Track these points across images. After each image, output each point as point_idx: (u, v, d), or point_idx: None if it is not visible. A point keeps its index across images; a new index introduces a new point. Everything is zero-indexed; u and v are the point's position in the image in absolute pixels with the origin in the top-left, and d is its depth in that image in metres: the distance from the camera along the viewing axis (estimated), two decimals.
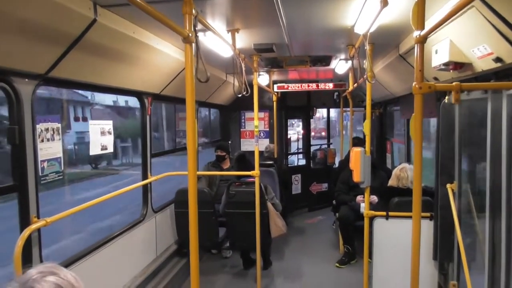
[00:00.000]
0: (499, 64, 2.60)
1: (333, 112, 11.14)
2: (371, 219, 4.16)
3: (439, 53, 3.18)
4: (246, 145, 8.41)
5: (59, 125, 3.03)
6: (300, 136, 10.11)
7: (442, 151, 3.76)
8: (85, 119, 21.95)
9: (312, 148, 9.55)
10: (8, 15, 2.11)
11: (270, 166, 7.02)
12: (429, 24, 2.65)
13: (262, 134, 8.41)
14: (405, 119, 6.58)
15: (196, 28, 2.35)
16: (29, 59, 2.51)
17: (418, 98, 2.37)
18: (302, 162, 9.67)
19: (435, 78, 3.85)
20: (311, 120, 9.78)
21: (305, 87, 7.38)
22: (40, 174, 2.82)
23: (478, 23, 2.48)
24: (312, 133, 21.14)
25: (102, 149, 3.77)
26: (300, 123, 10.04)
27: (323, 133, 14.90)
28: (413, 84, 2.37)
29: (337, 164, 9.13)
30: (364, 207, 4.28)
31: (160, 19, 2.01)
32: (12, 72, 2.49)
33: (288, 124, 9.69)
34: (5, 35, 2.20)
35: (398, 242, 4.05)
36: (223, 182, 6.03)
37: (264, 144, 7.93)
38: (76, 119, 22.18)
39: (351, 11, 3.12)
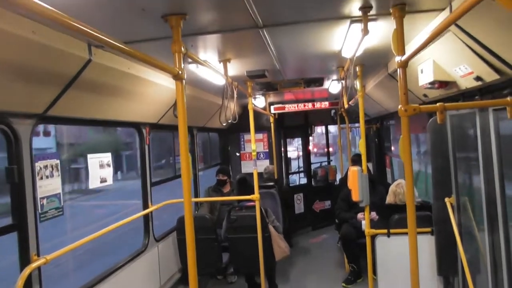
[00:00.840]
0: (480, 83, 2.68)
1: (334, 127, 11.23)
2: (373, 237, 4.18)
3: (424, 72, 3.27)
4: (247, 167, 8.45)
5: (58, 161, 3.10)
6: (301, 153, 10.16)
7: (437, 167, 3.81)
8: (47, 134, 18.79)
9: (313, 166, 9.58)
10: (5, 60, 2.21)
11: (271, 187, 7.04)
12: (411, 46, 2.77)
13: (261, 155, 8.47)
14: (400, 135, 6.64)
15: (187, 63, 2.45)
16: (27, 100, 2.61)
17: (404, 120, 2.45)
18: (304, 180, 9.68)
19: (425, 95, 3.94)
20: (312, 136, 9.84)
21: (301, 107, 7.48)
22: (40, 211, 2.87)
23: (456, 45, 2.58)
24: (315, 149, 20.94)
25: (101, 182, 3.84)
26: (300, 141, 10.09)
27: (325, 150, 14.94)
28: (399, 107, 2.45)
29: (338, 181, 9.15)
30: (365, 225, 4.31)
31: (148, 62, 2.11)
32: (11, 114, 2.58)
33: (288, 142, 9.75)
34: (3, 79, 2.30)
35: (401, 258, 4.03)
36: (224, 206, 6.05)
37: (263, 165, 7.97)
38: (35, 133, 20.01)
39: (336, 37, 3.23)
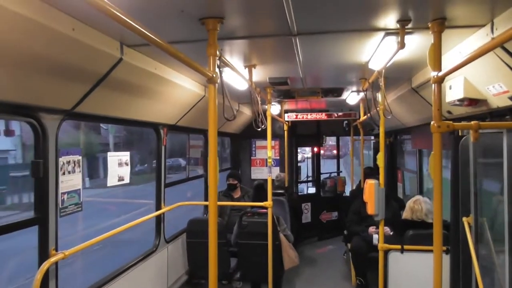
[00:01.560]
0: None
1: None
2: (386, 252, 4.12)
3: (453, 89, 3.23)
4: (257, 173, 8.43)
5: (80, 157, 3.09)
6: (309, 156, 10.12)
7: (457, 185, 3.76)
8: (10, 133, 16.37)
9: (322, 176, 9.53)
10: (41, 57, 2.21)
11: (281, 195, 7.00)
12: (444, 61, 2.72)
13: (273, 162, 8.43)
14: (417, 149, 6.60)
15: (220, 69, 2.43)
16: (57, 96, 2.61)
17: (436, 137, 2.41)
18: (312, 190, 9.63)
19: (449, 112, 3.89)
20: (323, 145, 9.81)
21: (317, 116, 7.45)
22: (60, 206, 2.86)
23: (493, 63, 2.54)
24: (322, 151, 20.85)
25: (119, 180, 3.82)
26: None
27: (334, 151, 14.72)
28: (432, 123, 2.41)
29: (347, 193, 9.09)
30: (376, 239, 4.25)
31: (184, 61, 2.09)
32: (40, 108, 2.58)
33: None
34: (37, 74, 2.30)
35: (414, 276, 3.99)
36: (235, 211, 6.01)
37: (275, 173, 7.94)
38: None
39: (366, 49, 3.21)
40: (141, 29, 1.66)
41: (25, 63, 2.14)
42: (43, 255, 2.70)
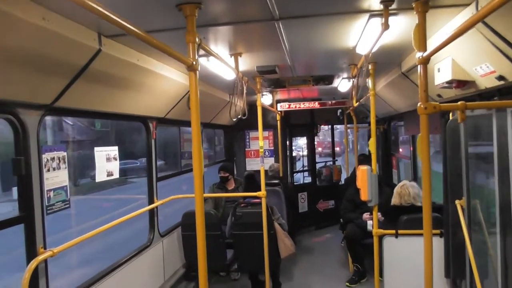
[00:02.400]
0: (502, 82, 2.60)
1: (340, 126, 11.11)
2: (380, 237, 4.12)
3: (441, 71, 3.19)
4: (252, 164, 8.40)
5: (65, 153, 3.04)
6: (305, 153, 10.09)
7: (450, 168, 3.74)
8: None
9: (318, 166, 9.52)
10: (13, 49, 2.14)
11: (275, 185, 6.99)
12: (430, 43, 2.68)
13: (267, 153, 8.41)
14: (410, 135, 6.57)
15: (199, 55, 2.38)
16: (35, 91, 2.54)
17: (423, 118, 2.37)
18: (308, 179, 9.63)
19: (439, 95, 3.85)
20: (318, 135, 9.77)
21: (308, 105, 7.41)
22: (46, 203, 2.81)
23: (480, 43, 2.49)
24: (319, 148, 20.40)
25: (108, 175, 3.78)
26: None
27: (337, 149, 14.50)
28: (418, 105, 2.37)
29: (343, 181, 9.09)
30: (371, 225, 4.25)
31: (163, 50, 2.04)
32: (18, 104, 2.52)
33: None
34: (11, 68, 2.24)
35: (408, 260, 3.99)
36: (229, 203, 5.99)
37: (268, 163, 7.91)
38: None
39: (352, 33, 3.15)
40: (117, 19, 1.60)
41: None
42: (31, 253, 2.66)
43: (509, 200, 2.90)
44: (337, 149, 11.66)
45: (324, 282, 5.95)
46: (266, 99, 6.87)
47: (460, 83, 3.04)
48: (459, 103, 2.34)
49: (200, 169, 2.38)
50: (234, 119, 3.98)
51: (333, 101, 7.45)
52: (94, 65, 2.76)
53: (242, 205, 5.24)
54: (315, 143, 9.74)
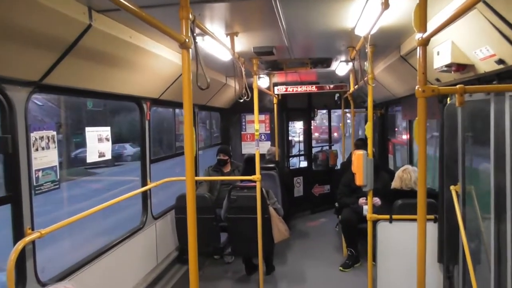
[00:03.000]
0: (501, 66, 2.55)
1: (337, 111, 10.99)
2: (375, 222, 4.11)
3: (440, 54, 3.12)
4: (247, 148, 8.36)
5: (54, 133, 2.97)
6: (301, 138, 10.03)
7: (446, 153, 3.71)
8: None
9: (314, 150, 9.49)
10: None
11: (271, 169, 6.96)
12: (431, 25, 2.59)
13: (263, 136, 8.36)
14: (407, 120, 6.52)
15: (194, 33, 2.29)
16: (23, 66, 2.46)
17: (421, 101, 2.31)
18: (304, 164, 9.62)
19: (437, 80, 3.80)
20: (314, 119, 9.71)
21: (305, 89, 7.33)
22: (35, 183, 2.76)
23: (480, 25, 2.42)
24: (316, 134, 20.13)
25: (100, 156, 3.72)
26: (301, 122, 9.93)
27: (335, 134, 14.20)
28: (416, 88, 2.31)
29: (339, 166, 9.08)
30: (367, 210, 4.24)
31: (155, 25, 1.96)
32: (5, 80, 2.44)
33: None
34: None
35: (402, 245, 4.00)
36: (225, 186, 5.97)
37: (265, 147, 7.87)
38: None
39: (351, 13, 3.06)
40: None
41: None
42: (18, 234, 2.61)
43: (504, 186, 2.88)
44: (335, 134, 11.42)
45: (317, 266, 5.98)
46: (263, 81, 6.78)
47: (459, 67, 2.99)
48: (457, 86, 2.28)
49: (191, 151, 2.33)
50: (241, 100, 3.92)
51: (331, 85, 7.38)
52: (84, 41, 2.67)
53: (238, 188, 5.21)
54: (312, 128, 9.69)
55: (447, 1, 2.73)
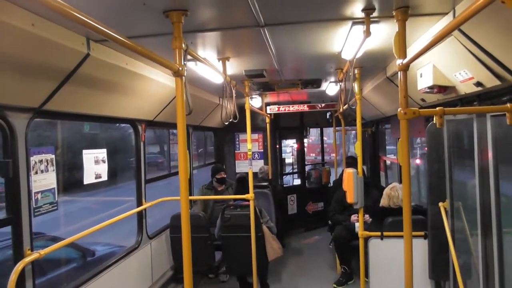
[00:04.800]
0: (480, 88, 2.70)
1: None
2: (366, 239, 4.19)
3: (423, 76, 3.28)
4: (241, 166, 8.44)
5: (53, 156, 3.06)
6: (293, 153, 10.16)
7: (432, 171, 3.83)
8: None
9: (307, 168, 9.59)
10: (2, 54, 2.17)
11: (265, 187, 7.04)
12: (411, 50, 2.76)
13: (256, 155, 8.46)
14: (396, 138, 6.68)
15: (186, 61, 2.43)
16: (24, 94, 2.57)
17: (403, 123, 2.45)
18: (297, 181, 9.69)
19: (423, 100, 3.95)
20: (307, 137, 9.84)
21: (297, 108, 7.48)
22: (34, 205, 2.83)
23: (458, 50, 2.58)
24: (312, 155, 20.09)
25: (96, 178, 3.80)
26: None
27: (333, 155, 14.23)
28: (398, 110, 2.45)
29: (332, 183, 9.17)
30: (358, 227, 4.31)
31: (149, 57, 2.08)
32: (7, 107, 2.54)
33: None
34: (0, 72, 2.26)
35: (393, 261, 4.06)
36: (218, 204, 6.03)
37: (258, 165, 7.96)
38: None
39: (337, 38, 3.22)
40: (102, 28, 1.62)
41: None
42: (18, 255, 2.68)
43: (489, 202, 2.99)
44: (333, 156, 11.22)
45: (311, 283, 6.00)
46: (255, 101, 6.92)
47: (441, 88, 3.14)
48: (437, 109, 2.42)
49: (185, 172, 2.43)
50: (226, 123, 4.03)
51: (322, 104, 7.54)
52: (82, 69, 2.79)
53: (231, 207, 5.28)
54: (305, 147, 9.81)
55: (426, 28, 2.90)
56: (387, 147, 8.67)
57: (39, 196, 2.89)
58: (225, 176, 6.29)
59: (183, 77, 2.38)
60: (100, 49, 2.88)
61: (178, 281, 5.45)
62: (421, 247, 3.94)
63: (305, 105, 7.53)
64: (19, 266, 2.51)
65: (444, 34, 1.91)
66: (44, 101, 2.74)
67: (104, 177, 3.88)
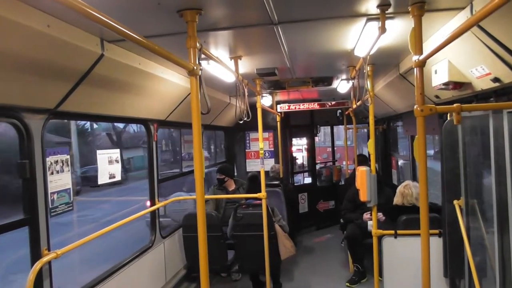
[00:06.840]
0: (497, 84, 2.65)
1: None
2: (380, 237, 4.15)
3: (438, 73, 3.23)
4: (252, 165, 8.44)
5: (68, 156, 3.09)
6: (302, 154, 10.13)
7: (447, 169, 3.79)
8: None
9: (318, 166, 9.56)
10: (18, 55, 2.19)
11: (276, 186, 7.03)
12: (427, 45, 2.72)
13: (267, 154, 8.45)
14: (409, 135, 6.62)
15: (201, 60, 2.42)
16: (40, 96, 2.60)
17: (420, 120, 2.42)
18: (308, 180, 9.67)
19: (437, 96, 3.90)
20: (317, 135, 9.81)
21: (308, 106, 7.45)
22: (50, 206, 2.86)
23: (475, 46, 2.54)
24: (325, 155, 20.06)
25: (110, 178, 3.82)
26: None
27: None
28: (415, 107, 2.42)
29: (343, 181, 9.13)
30: (371, 225, 4.28)
31: (164, 56, 2.08)
32: (23, 108, 2.57)
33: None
34: (17, 74, 2.29)
35: (408, 260, 4.03)
36: (230, 204, 6.02)
37: (269, 164, 7.95)
38: None
39: (350, 35, 3.20)
40: (117, 26, 1.63)
41: (3, 62, 2.13)
42: (35, 255, 2.71)
43: (506, 199, 2.95)
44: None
45: (324, 282, 5.98)
46: (266, 100, 6.91)
47: (456, 85, 3.09)
48: (454, 105, 2.38)
49: (201, 171, 2.43)
50: (241, 121, 4.04)
51: (333, 102, 7.48)
52: (97, 69, 2.81)
53: (243, 206, 5.28)
54: (315, 145, 9.77)
55: (442, 23, 2.85)
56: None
57: (55, 196, 2.91)
58: (221, 177, 6.23)
59: (198, 76, 2.37)
60: (113, 50, 2.90)
61: (191, 280, 5.47)
62: (435, 245, 3.90)
63: (316, 103, 7.49)
64: (37, 266, 2.53)
65: (463, 30, 1.88)
66: (59, 102, 2.77)
67: (118, 177, 3.91)
